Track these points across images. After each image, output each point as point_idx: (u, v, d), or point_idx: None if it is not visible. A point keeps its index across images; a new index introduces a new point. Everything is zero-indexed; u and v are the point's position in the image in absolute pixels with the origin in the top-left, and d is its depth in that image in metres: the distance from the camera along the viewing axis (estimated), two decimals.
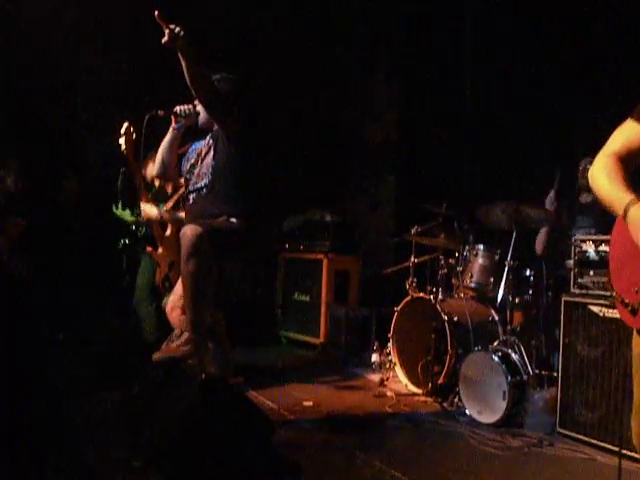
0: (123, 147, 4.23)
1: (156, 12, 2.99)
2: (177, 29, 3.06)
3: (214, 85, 3.46)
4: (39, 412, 3.21)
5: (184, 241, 3.18)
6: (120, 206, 5.06)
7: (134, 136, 4.21)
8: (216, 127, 3.63)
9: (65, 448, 3.07)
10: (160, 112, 3.62)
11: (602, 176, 2.02)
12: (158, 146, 3.78)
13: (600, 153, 2.09)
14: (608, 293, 3.50)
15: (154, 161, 4.40)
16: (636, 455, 3.07)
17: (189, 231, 3.19)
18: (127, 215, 5.05)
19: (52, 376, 3.84)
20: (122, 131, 4.22)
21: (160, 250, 4.59)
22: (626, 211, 1.88)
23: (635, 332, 2.06)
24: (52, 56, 5.62)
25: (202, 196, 3.58)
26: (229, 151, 3.56)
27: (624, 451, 3.25)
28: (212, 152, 3.61)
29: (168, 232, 4.62)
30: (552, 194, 4.82)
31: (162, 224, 4.59)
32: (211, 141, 3.66)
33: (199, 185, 3.60)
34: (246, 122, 3.61)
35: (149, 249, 4.67)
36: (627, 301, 1.97)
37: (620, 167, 2.01)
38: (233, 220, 3.48)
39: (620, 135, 2.07)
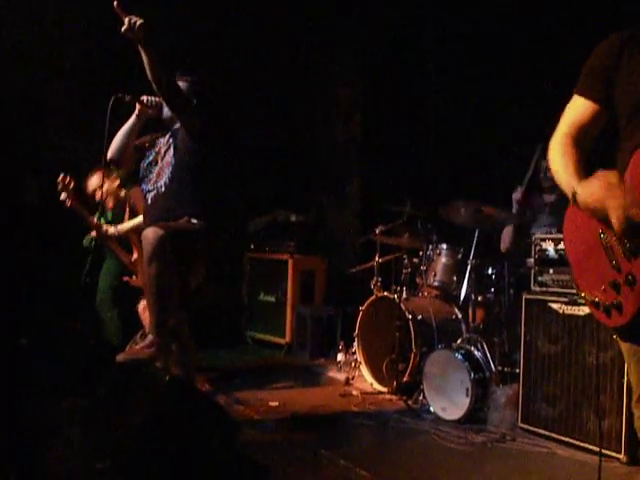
0: (67, 202, 4.20)
1: (115, 3, 3.02)
2: (134, 19, 3.07)
3: (174, 79, 3.44)
4: (2, 418, 3.16)
5: (146, 244, 3.15)
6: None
7: (72, 185, 4.19)
8: (177, 124, 3.59)
9: (28, 454, 3.03)
10: (127, 97, 3.57)
11: (555, 158, 2.03)
12: (115, 134, 3.72)
13: (554, 134, 2.08)
14: (567, 290, 3.59)
15: (96, 175, 4.41)
16: (594, 447, 3.18)
17: (150, 234, 3.15)
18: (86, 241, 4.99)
19: (15, 382, 3.78)
20: (59, 186, 4.18)
21: (135, 255, 4.54)
22: (574, 196, 1.86)
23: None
24: (14, 56, 5.54)
25: (161, 194, 3.51)
26: (190, 149, 3.52)
27: (586, 445, 3.35)
28: (172, 150, 3.56)
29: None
30: (519, 190, 4.89)
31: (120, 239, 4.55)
32: (171, 139, 3.61)
33: (159, 184, 3.54)
34: (207, 119, 3.58)
35: (126, 258, 4.62)
36: (597, 301, 1.91)
37: (572, 148, 2.00)
38: (194, 221, 3.44)
39: (569, 113, 2.08)
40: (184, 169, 3.50)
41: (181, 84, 3.52)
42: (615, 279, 1.85)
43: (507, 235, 4.95)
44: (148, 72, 3.22)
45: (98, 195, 4.50)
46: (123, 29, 3.07)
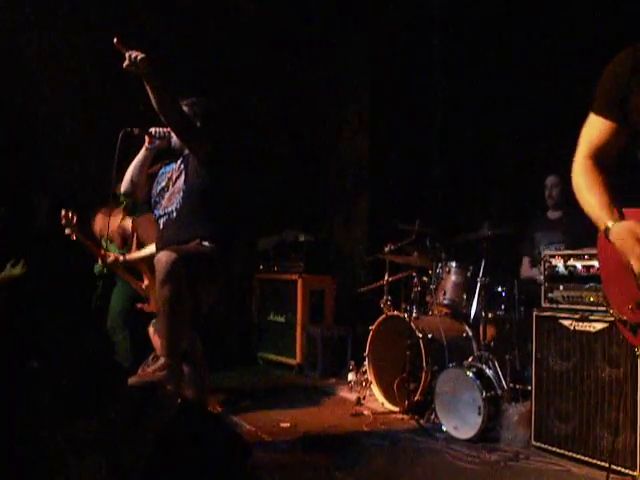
0: (72, 235, 4.20)
1: (115, 39, 3.00)
2: (135, 54, 3.05)
3: (182, 109, 3.47)
4: (14, 442, 3.17)
5: (158, 267, 3.18)
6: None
7: (75, 219, 4.21)
8: (187, 150, 3.64)
9: (38, 476, 3.03)
10: (135, 130, 3.60)
11: (580, 183, 2.05)
12: (128, 165, 3.76)
13: (576, 157, 2.11)
14: (578, 307, 3.59)
15: (102, 215, 4.43)
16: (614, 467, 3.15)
17: (163, 257, 3.18)
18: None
19: (27, 405, 3.79)
20: (62, 221, 4.18)
21: (146, 282, 4.56)
22: (606, 233, 1.93)
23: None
24: (16, 76, 5.61)
25: (172, 220, 3.57)
26: (200, 174, 3.56)
27: (600, 462, 3.32)
28: (183, 176, 3.61)
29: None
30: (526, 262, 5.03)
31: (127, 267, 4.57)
32: (182, 165, 3.66)
33: (170, 209, 3.59)
34: (216, 144, 3.62)
35: (137, 285, 4.64)
36: (625, 319, 1.98)
37: (596, 174, 2.03)
38: (205, 244, 3.48)
39: (588, 133, 2.10)
40: (194, 194, 3.54)
41: (192, 109, 3.56)
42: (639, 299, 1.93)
43: (525, 267, 5.01)
44: (154, 104, 3.23)
45: (104, 234, 4.54)
46: (125, 65, 3.06)
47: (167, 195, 3.66)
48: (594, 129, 2.08)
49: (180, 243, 3.45)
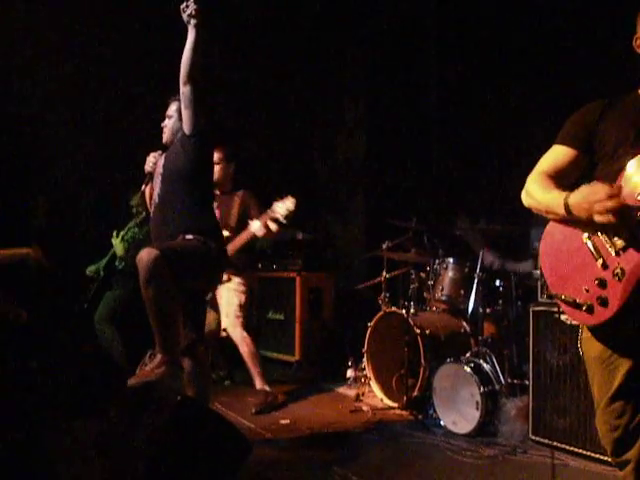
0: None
1: None
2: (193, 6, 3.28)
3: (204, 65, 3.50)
4: (13, 442, 3.18)
5: (140, 266, 3.10)
6: (119, 236, 5.05)
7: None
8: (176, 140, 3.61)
9: (39, 476, 3.05)
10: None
11: (536, 188, 2.19)
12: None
13: (531, 174, 2.26)
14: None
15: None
16: (606, 458, 3.17)
17: (145, 256, 3.11)
18: (120, 249, 5.04)
19: (26, 405, 3.80)
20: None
21: None
22: (566, 203, 2.03)
23: (587, 335, 2.16)
24: (15, 75, 5.62)
25: (157, 207, 3.50)
26: (181, 155, 3.48)
27: (596, 455, 3.35)
28: (162, 160, 3.56)
29: None
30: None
31: None
32: (164, 153, 3.62)
33: (154, 197, 3.54)
34: (207, 123, 3.59)
35: None
36: (579, 301, 2.04)
37: (551, 180, 2.18)
38: (189, 237, 3.39)
39: (548, 158, 2.26)
40: (175, 176, 3.47)
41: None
42: (601, 276, 2.00)
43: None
44: (189, 52, 3.33)
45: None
46: (187, 14, 3.29)
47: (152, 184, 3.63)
48: (555, 156, 2.25)
49: (164, 236, 3.41)
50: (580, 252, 2.07)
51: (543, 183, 2.18)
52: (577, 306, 2.06)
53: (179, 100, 3.55)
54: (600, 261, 2.02)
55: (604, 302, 1.98)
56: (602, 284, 2.00)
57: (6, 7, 5.42)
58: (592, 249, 2.04)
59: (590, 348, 2.16)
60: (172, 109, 3.63)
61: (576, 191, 2.04)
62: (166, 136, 3.65)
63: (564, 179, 2.20)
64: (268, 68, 6.92)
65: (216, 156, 4.25)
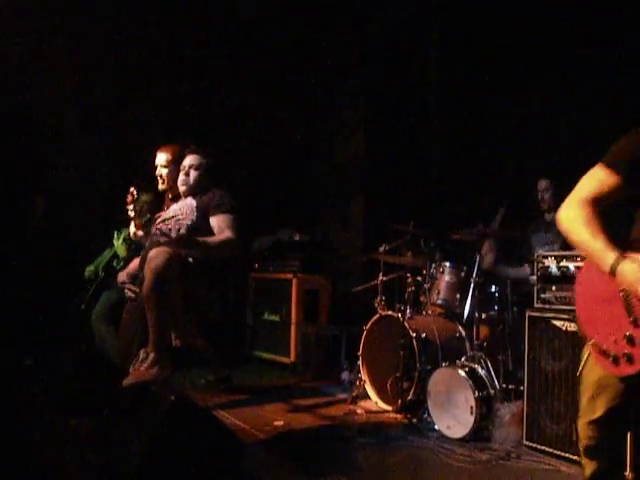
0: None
1: None
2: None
3: (217, 245, 3.61)
4: (6, 441, 3.17)
5: (151, 263, 3.17)
6: (121, 237, 5.04)
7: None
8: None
9: (32, 475, 3.04)
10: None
11: (580, 227, 2.10)
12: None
13: (571, 198, 2.17)
14: (570, 307, 3.59)
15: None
16: None
17: (155, 253, 3.18)
18: (121, 250, 5.03)
19: (19, 403, 3.79)
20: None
21: None
22: (614, 269, 1.98)
23: (593, 362, 2.14)
24: (13, 75, 5.61)
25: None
26: None
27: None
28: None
29: None
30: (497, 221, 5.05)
31: None
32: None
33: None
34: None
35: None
36: (606, 350, 2.04)
37: (596, 216, 2.10)
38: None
39: (592, 182, 2.15)
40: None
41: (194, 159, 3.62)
42: (631, 333, 1.99)
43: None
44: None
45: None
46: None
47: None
48: (598, 179, 2.14)
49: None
50: (614, 302, 2.04)
51: (590, 225, 2.08)
52: (604, 354, 2.06)
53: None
54: (632, 317, 2.00)
55: (630, 359, 1.98)
56: (631, 341, 1.99)
57: (6, 7, 5.42)
58: (626, 303, 2.02)
59: (591, 372, 2.17)
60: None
61: (627, 261, 1.98)
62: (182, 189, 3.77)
63: (603, 203, 2.13)
64: (267, 69, 6.92)
65: (163, 157, 4.29)
